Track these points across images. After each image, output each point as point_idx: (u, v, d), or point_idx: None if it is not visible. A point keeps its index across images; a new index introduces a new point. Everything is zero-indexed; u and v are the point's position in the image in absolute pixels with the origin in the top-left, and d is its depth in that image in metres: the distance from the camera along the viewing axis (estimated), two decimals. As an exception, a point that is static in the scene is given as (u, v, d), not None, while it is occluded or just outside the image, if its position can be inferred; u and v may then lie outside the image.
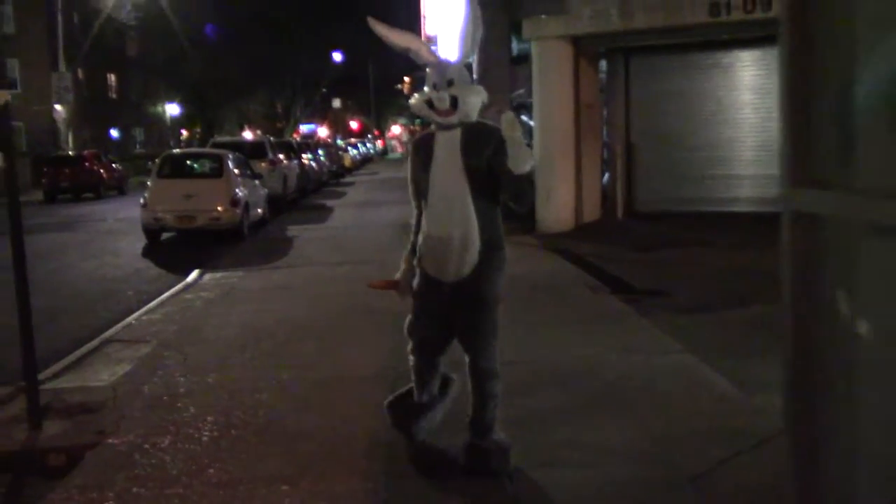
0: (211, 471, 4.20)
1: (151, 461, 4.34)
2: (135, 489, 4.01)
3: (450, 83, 3.88)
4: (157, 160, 16.22)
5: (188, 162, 15.83)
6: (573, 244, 11.87)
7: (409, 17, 33.59)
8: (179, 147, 48.44)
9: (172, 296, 9.29)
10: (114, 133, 49.07)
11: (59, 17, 33.75)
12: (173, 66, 49.11)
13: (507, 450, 4.09)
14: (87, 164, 28.91)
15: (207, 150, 18.19)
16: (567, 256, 10.89)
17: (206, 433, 4.73)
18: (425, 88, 4.02)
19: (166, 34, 45.28)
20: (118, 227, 17.84)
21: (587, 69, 14.00)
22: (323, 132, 78.29)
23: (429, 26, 28.26)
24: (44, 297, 9.76)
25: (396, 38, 4.15)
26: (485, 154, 3.87)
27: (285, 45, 51.58)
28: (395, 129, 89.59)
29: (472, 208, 3.90)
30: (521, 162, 3.73)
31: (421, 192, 4.09)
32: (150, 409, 5.19)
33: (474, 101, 3.93)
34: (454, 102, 3.86)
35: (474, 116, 3.97)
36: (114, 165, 32.30)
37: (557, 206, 13.37)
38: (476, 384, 4.06)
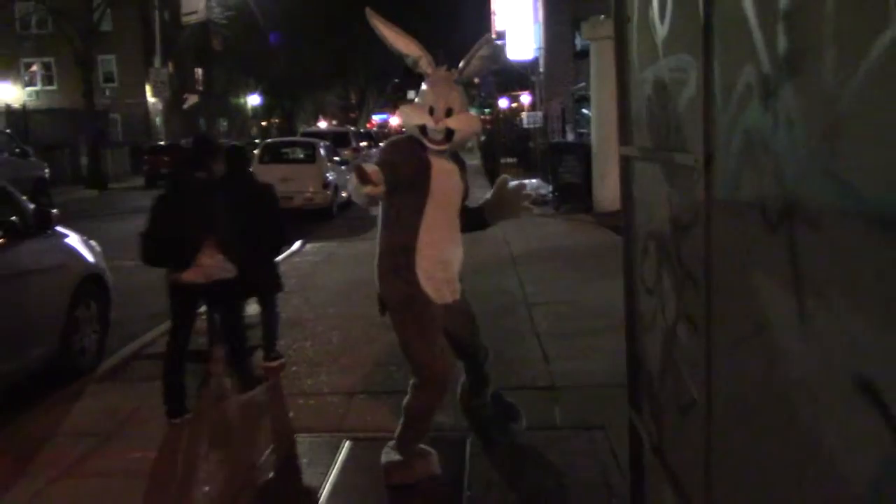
0: (342, 360, 6.10)
1: (301, 355, 6.27)
2: (293, 368, 5.93)
3: (448, 112, 3.73)
4: (257, 149, 18.32)
5: (285, 150, 17.87)
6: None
7: (479, 12, 35.18)
8: (261, 137, 51.12)
9: (284, 259, 11.26)
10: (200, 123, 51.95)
11: (157, 15, 36.28)
12: (255, 60, 51.56)
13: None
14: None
15: (301, 139, 20.22)
16: (616, 230, 12.53)
17: (334, 340, 6.64)
18: (417, 99, 3.86)
19: (249, 30, 47.76)
20: (220, 207, 20.02)
21: (640, 65, 15.47)
22: (395, 122, 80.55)
23: (498, 22, 29.97)
24: (180, 259, 11.87)
25: (394, 38, 3.85)
26: (465, 180, 3.99)
27: (359, 37, 53.56)
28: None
29: (459, 234, 3.98)
30: (500, 220, 4.16)
31: (409, 210, 3.78)
32: (291, 327, 7.10)
33: (469, 134, 3.88)
34: (449, 135, 3.73)
35: (463, 147, 4.05)
36: (205, 153, 34.84)
37: (611, 187, 14.89)
38: (480, 367, 4.30)
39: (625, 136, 2.69)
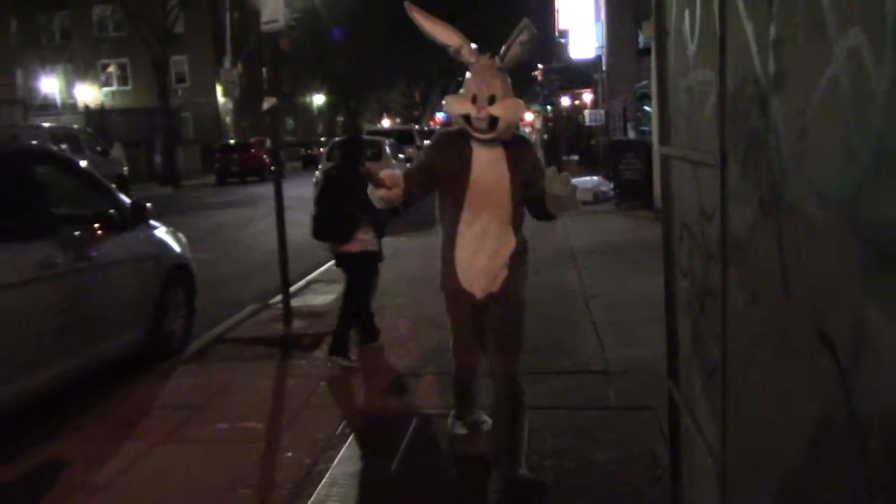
0: (409, 344, 6.53)
1: (370, 340, 6.72)
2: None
3: (491, 99, 3.67)
4: (328, 147, 18.97)
5: (352, 148, 18.44)
6: (683, 217, 13.66)
7: (543, 10, 35.33)
8: (326, 135, 52.07)
9: (351, 253, 11.80)
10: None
11: (228, 17, 37.37)
12: (321, 60, 52.44)
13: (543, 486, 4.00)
14: (253, 150, 32.34)
15: (367, 137, 20.78)
16: (675, 227, 12.75)
17: (402, 327, 7.09)
18: (462, 91, 3.82)
19: (316, 31, 48.63)
20: (290, 203, 20.28)
21: (702, 63, 15.63)
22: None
23: (561, 20, 30.15)
24: (256, 253, 12.55)
25: (434, 30, 3.84)
26: (525, 169, 3.85)
27: (422, 36, 53.71)
28: (528, 116, 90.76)
29: (510, 225, 3.86)
30: (561, 211, 3.77)
31: (451, 200, 3.86)
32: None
33: (514, 121, 3.80)
34: (493, 123, 3.69)
35: (510, 134, 3.85)
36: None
37: (672, 185, 15.13)
38: (505, 400, 4.00)
39: (664, 137, 3.03)
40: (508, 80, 3.80)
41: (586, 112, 28.26)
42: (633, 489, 3.99)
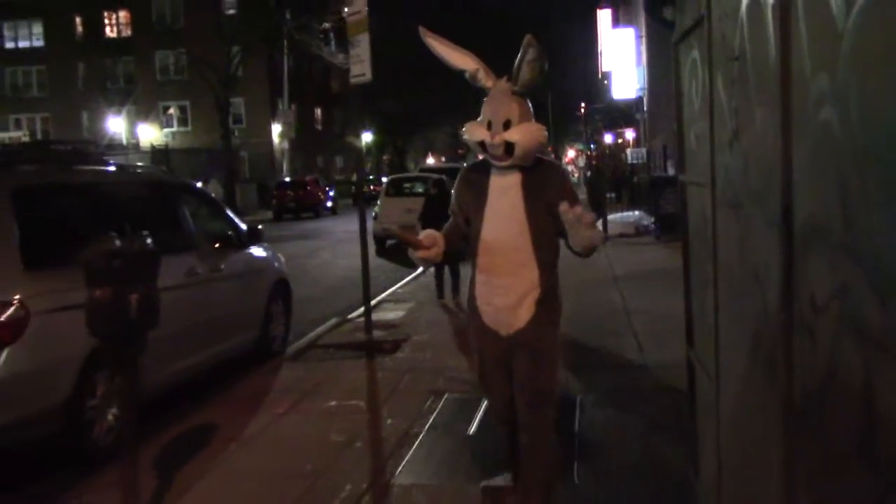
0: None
1: (441, 345, 7.89)
2: (429, 355, 7.54)
3: (507, 124, 3.50)
4: (385, 184, 20.39)
5: (407, 184, 19.81)
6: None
7: (587, 53, 36.58)
8: (373, 173, 53.74)
9: (413, 278, 13.02)
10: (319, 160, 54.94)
11: (286, 62, 39.28)
12: (370, 99, 54.09)
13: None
14: (308, 188, 33.93)
15: (421, 174, 22.16)
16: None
17: (460, 336, 8.23)
18: (479, 119, 3.63)
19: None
20: (348, 237, 22.06)
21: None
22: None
23: (604, 63, 31.43)
24: (325, 279, 13.80)
25: (449, 55, 3.72)
26: (548, 196, 3.55)
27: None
28: (571, 153, 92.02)
29: (533, 256, 3.58)
30: (585, 247, 3.47)
31: (472, 233, 3.67)
32: (430, 325, 8.78)
33: (533, 146, 3.54)
34: (509, 149, 3.50)
35: (531, 159, 3.60)
36: (327, 189, 37.43)
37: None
38: (530, 456, 3.76)
39: (682, 168, 4.18)
40: (528, 103, 3.67)
41: (628, 150, 29.37)
42: (661, 444, 5.08)
